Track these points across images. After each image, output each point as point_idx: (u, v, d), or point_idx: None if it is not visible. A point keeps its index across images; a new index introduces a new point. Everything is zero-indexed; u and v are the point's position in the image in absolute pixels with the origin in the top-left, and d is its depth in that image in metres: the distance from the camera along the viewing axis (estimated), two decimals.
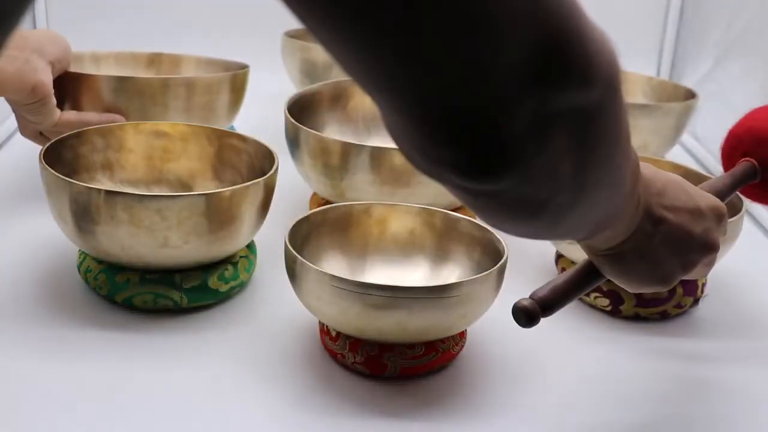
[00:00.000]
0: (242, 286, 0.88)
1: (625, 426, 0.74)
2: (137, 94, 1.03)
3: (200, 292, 0.83)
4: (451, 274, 0.83)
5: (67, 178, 0.79)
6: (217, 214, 0.79)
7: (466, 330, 0.79)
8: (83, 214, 0.78)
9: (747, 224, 1.00)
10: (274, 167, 0.86)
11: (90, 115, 1.01)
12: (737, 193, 0.91)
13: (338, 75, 1.24)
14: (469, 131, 0.41)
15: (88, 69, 1.18)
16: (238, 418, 0.71)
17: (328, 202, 0.98)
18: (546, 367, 0.80)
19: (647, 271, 0.65)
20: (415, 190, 0.93)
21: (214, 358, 0.78)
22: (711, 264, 0.69)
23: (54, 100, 0.96)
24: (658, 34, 1.60)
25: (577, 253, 0.87)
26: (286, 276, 0.77)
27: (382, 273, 0.85)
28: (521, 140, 0.42)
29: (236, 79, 1.11)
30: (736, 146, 0.81)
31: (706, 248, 0.66)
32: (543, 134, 0.42)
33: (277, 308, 0.85)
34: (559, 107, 0.42)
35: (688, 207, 0.64)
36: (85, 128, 0.94)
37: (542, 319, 0.88)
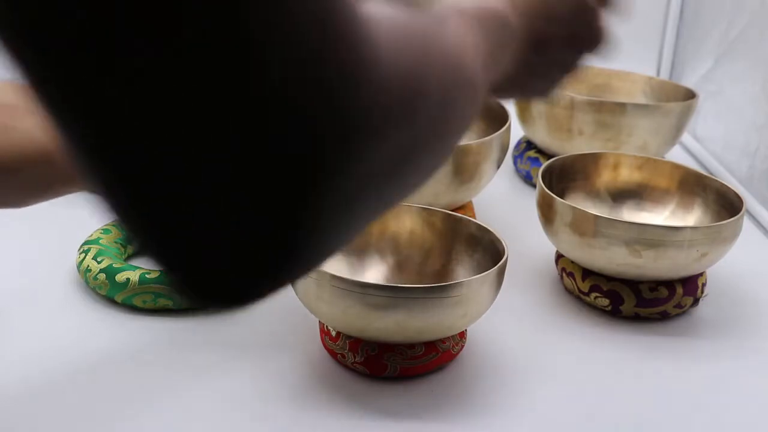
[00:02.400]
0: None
1: (625, 426, 0.74)
2: None
3: None
4: (451, 274, 0.83)
5: None
6: None
7: (466, 330, 0.79)
8: None
9: (747, 224, 1.00)
10: None
11: None
12: (737, 192, 0.90)
13: None
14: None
15: None
16: (238, 418, 0.71)
17: None
18: (546, 367, 0.80)
19: (541, 82, 0.61)
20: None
21: (214, 358, 0.78)
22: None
23: None
24: (658, 34, 1.60)
25: (578, 253, 0.87)
26: None
27: (382, 273, 0.85)
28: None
29: None
30: None
31: (594, 41, 0.61)
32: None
33: (277, 308, 0.85)
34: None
35: (571, 5, 0.58)
36: None
37: (542, 320, 0.88)
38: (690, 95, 1.19)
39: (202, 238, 0.29)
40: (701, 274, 0.89)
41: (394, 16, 0.35)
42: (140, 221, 0.29)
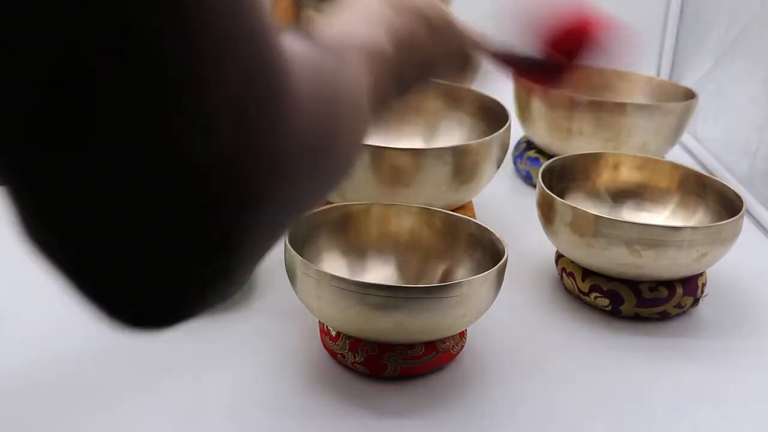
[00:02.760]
0: (242, 286, 0.88)
1: (625, 426, 0.74)
2: None
3: None
4: (451, 274, 0.83)
5: None
6: None
7: (466, 330, 0.79)
8: None
9: (747, 224, 1.00)
10: None
11: None
12: (737, 192, 0.91)
13: None
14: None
15: None
16: (239, 418, 0.71)
17: (328, 202, 0.98)
18: (546, 367, 0.80)
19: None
20: (415, 190, 0.93)
21: (215, 358, 0.78)
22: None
23: None
24: (658, 34, 1.60)
25: (578, 253, 0.87)
26: (286, 276, 0.77)
27: (382, 273, 0.85)
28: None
29: None
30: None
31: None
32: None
33: (277, 308, 0.85)
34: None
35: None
36: None
37: (542, 320, 0.88)
38: (690, 95, 1.19)
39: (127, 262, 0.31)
40: (701, 274, 0.89)
41: (306, 52, 0.37)
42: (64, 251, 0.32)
